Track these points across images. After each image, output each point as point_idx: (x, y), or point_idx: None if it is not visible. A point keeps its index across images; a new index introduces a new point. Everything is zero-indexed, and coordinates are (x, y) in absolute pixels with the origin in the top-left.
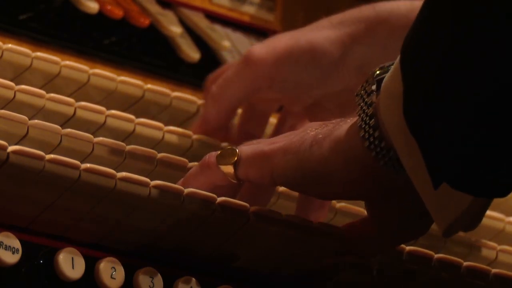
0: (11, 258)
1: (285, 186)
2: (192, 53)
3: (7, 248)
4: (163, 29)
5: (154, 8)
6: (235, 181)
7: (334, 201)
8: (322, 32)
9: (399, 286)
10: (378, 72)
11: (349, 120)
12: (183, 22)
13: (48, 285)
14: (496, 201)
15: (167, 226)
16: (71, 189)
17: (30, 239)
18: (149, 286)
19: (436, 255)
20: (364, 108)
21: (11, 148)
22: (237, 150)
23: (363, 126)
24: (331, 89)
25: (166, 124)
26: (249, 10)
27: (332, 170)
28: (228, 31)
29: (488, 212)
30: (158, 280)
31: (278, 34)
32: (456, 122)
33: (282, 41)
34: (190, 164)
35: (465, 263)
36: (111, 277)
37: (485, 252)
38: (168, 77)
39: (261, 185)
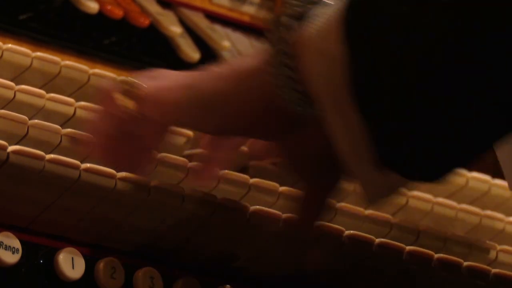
0: (11, 258)
1: (180, 123)
2: (192, 53)
3: (7, 248)
4: (163, 29)
5: (154, 8)
6: (137, 115)
7: (334, 201)
8: None
9: (399, 285)
10: (297, 4)
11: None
12: (183, 22)
13: (48, 285)
14: (497, 201)
15: (167, 226)
16: (71, 189)
17: (30, 239)
18: (149, 286)
19: (436, 255)
20: (281, 44)
21: (11, 148)
22: (141, 84)
23: (277, 60)
24: None
25: None
26: (249, 10)
27: (231, 93)
28: (228, 31)
29: (488, 212)
30: (158, 280)
31: None
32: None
33: None
34: (190, 164)
35: (465, 263)
36: (111, 277)
37: (485, 252)
38: None
39: (162, 123)
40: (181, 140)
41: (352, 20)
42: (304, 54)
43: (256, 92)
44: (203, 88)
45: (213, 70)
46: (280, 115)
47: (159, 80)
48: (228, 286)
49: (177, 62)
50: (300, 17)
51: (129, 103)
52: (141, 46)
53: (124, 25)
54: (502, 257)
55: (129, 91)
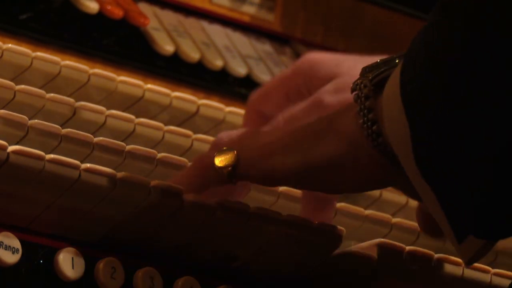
0: (11, 258)
1: (288, 185)
2: (192, 53)
3: (7, 248)
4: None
5: None
6: (232, 183)
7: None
8: None
9: (399, 285)
10: (371, 75)
11: (345, 111)
12: None
13: (48, 285)
14: None
15: (167, 226)
16: (71, 189)
17: (30, 239)
18: (149, 286)
19: (436, 255)
20: (364, 111)
21: (11, 148)
22: (235, 152)
23: (365, 127)
24: None
25: (166, 124)
26: (249, 10)
27: (341, 163)
28: (228, 31)
29: None
30: (158, 280)
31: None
32: (473, 172)
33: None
34: (190, 164)
35: None
36: (111, 277)
37: None
38: (168, 77)
39: (262, 185)
40: (182, 140)
41: (404, 85)
42: (381, 119)
43: (361, 152)
44: (305, 152)
45: (299, 129)
46: (386, 170)
47: (248, 140)
48: (228, 286)
49: (177, 62)
50: (380, 82)
51: (225, 170)
52: (141, 46)
53: (124, 25)
54: (502, 257)
55: (225, 158)
